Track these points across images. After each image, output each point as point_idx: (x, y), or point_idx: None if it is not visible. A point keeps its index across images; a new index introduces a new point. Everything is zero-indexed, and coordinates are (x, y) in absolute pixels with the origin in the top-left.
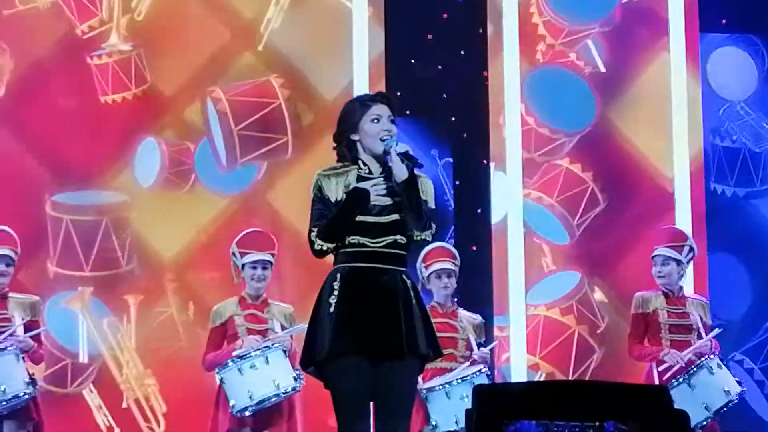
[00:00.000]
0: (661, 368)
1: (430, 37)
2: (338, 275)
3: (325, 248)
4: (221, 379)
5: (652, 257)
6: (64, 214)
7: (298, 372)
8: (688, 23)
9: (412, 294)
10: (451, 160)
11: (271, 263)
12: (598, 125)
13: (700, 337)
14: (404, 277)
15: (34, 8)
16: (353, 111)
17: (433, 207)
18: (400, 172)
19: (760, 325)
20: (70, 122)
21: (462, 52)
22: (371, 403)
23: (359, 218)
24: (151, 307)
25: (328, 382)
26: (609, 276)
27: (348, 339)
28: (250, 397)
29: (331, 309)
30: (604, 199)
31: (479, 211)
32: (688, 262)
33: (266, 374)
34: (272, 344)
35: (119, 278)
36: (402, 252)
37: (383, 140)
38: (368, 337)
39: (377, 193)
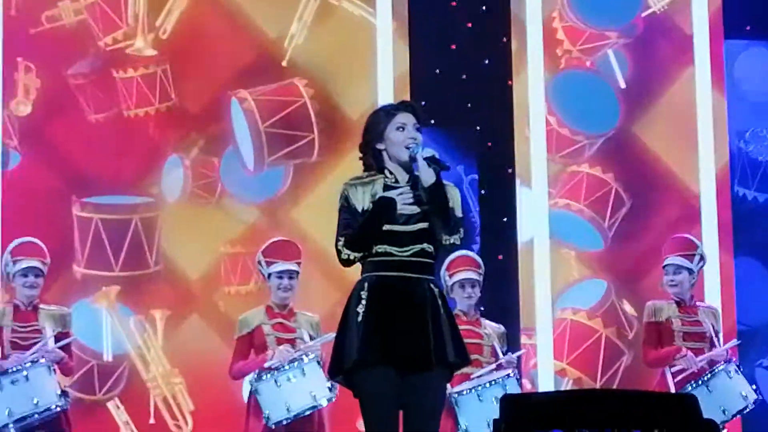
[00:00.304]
0: (674, 369)
1: (453, 46)
2: (366, 285)
3: (352, 258)
4: (255, 390)
5: (664, 266)
6: (93, 214)
7: (332, 382)
8: (712, 37)
9: (439, 302)
10: (476, 177)
11: (297, 272)
12: (620, 134)
13: (712, 344)
14: (431, 285)
15: (60, 26)
16: (378, 120)
17: (461, 215)
18: (428, 176)
19: None
20: (95, 139)
21: (486, 61)
22: (400, 411)
23: (386, 227)
24: (178, 321)
25: (357, 391)
26: (636, 286)
27: (376, 348)
28: (288, 410)
29: (359, 318)
30: (629, 198)
31: (505, 220)
32: (698, 271)
33: (303, 386)
34: (306, 355)
35: (148, 279)
36: (429, 260)
37: (408, 148)
38: (396, 347)
39: (404, 201)
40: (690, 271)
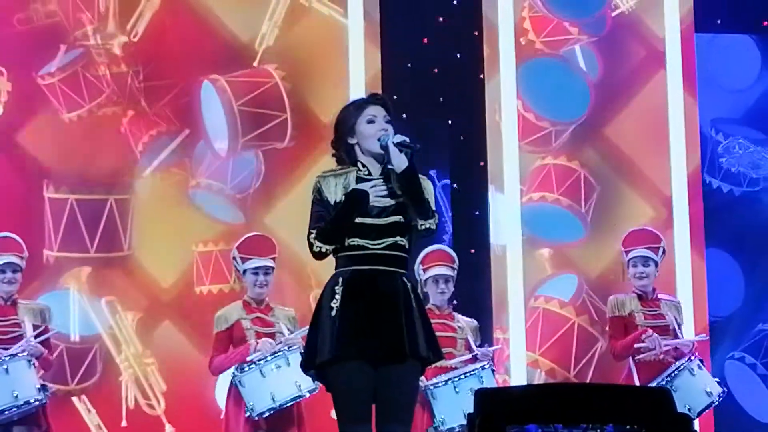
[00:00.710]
0: (638, 358)
1: (425, 40)
2: (340, 279)
3: (324, 250)
4: (239, 382)
5: (630, 259)
6: (69, 195)
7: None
8: (683, 39)
9: (412, 296)
10: (448, 182)
11: (273, 268)
12: (589, 132)
13: (676, 337)
14: (404, 279)
15: (31, 28)
16: (348, 115)
17: (434, 208)
18: (400, 161)
19: (753, 320)
20: (68, 138)
21: (458, 55)
22: (372, 405)
23: (359, 220)
24: (149, 326)
25: (330, 385)
26: (608, 281)
27: (351, 343)
28: (273, 399)
29: (333, 313)
30: (598, 183)
31: (477, 213)
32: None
33: (288, 376)
34: (288, 347)
35: (121, 261)
36: (403, 254)
37: (379, 139)
38: (370, 341)
39: (377, 194)
40: (656, 263)
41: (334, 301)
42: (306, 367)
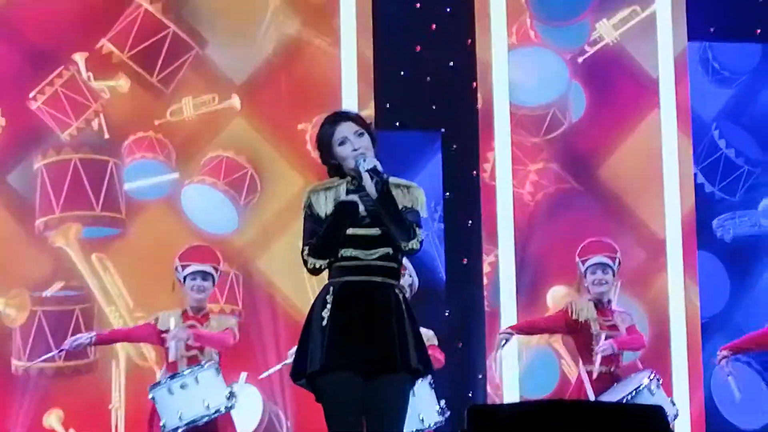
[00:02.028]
0: (589, 369)
1: (418, 48)
2: (331, 289)
3: (318, 265)
4: (153, 398)
5: (589, 267)
6: (72, 155)
7: (231, 390)
8: (677, 77)
9: (404, 308)
10: (443, 225)
11: (212, 276)
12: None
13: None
14: (396, 290)
15: (19, 57)
16: (323, 139)
17: (425, 216)
18: (371, 189)
19: (739, 324)
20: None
21: (451, 63)
22: (363, 417)
23: (351, 231)
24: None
25: (320, 396)
26: None
27: (342, 353)
28: (180, 418)
29: (324, 322)
30: (592, 223)
31: (470, 223)
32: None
33: (196, 394)
34: (201, 364)
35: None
36: (394, 265)
37: (355, 159)
38: (362, 352)
39: (367, 204)
40: (614, 272)
41: (326, 310)
42: (296, 376)
